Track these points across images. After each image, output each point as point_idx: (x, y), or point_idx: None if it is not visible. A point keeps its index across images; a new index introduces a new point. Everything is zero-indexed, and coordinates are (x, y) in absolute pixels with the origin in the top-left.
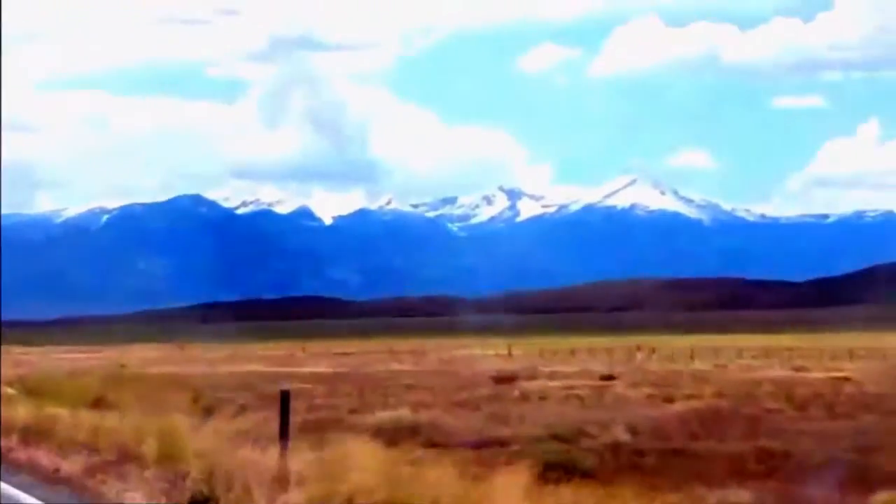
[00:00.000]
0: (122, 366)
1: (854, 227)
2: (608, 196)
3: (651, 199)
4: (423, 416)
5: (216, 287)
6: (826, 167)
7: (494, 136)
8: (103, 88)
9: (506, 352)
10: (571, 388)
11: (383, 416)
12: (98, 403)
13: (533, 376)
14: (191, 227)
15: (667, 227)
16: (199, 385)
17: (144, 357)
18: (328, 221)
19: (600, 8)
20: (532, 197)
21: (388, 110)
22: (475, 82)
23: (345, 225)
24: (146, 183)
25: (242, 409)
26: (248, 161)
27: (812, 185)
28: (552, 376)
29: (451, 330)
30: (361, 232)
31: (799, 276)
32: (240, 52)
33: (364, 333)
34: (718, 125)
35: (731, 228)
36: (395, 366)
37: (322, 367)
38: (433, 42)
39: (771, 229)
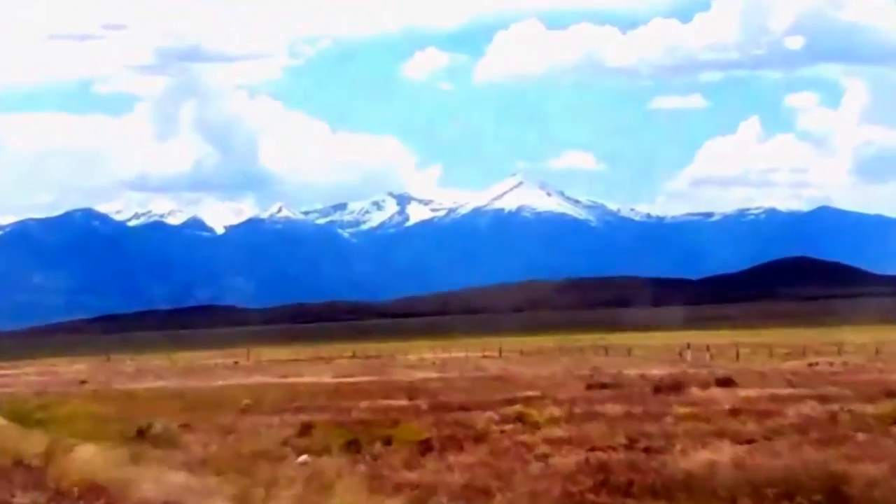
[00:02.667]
0: (83, 382)
1: (738, 225)
2: (496, 199)
3: (538, 200)
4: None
5: (113, 299)
6: (709, 166)
7: (382, 143)
8: None
9: (486, 353)
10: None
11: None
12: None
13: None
14: (84, 240)
15: (555, 227)
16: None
17: (86, 371)
18: (220, 231)
19: (482, 13)
20: (421, 201)
21: (276, 119)
22: (362, 90)
23: (237, 234)
24: (39, 198)
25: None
26: (139, 174)
27: (695, 184)
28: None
29: (358, 335)
30: (254, 240)
31: (689, 274)
32: (128, 65)
33: (266, 340)
34: (601, 127)
35: (619, 228)
36: (420, 374)
37: (325, 377)
38: (319, 51)
39: (657, 228)
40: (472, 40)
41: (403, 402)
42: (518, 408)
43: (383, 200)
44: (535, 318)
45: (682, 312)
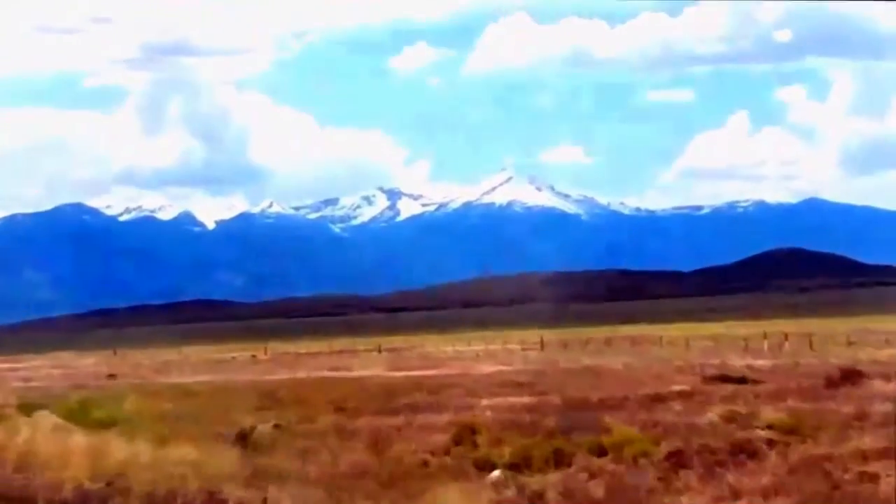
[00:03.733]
0: (111, 376)
1: (728, 218)
2: (486, 193)
3: (528, 195)
4: None
5: (103, 294)
6: (698, 159)
7: (371, 137)
8: None
9: (525, 345)
10: None
11: None
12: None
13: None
14: (75, 235)
15: (545, 222)
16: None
17: (101, 365)
18: (211, 226)
19: (471, 7)
20: (411, 196)
21: (265, 114)
22: (350, 84)
23: (228, 229)
24: (28, 193)
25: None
26: (129, 168)
27: (685, 178)
28: None
29: (357, 329)
30: (244, 235)
31: (679, 267)
32: (115, 59)
33: (265, 335)
34: (591, 121)
35: (609, 222)
36: (486, 368)
37: (379, 370)
38: (307, 45)
39: (647, 222)
40: (460, 35)
41: (526, 399)
42: (728, 407)
43: (374, 195)
44: (538, 310)
45: (684, 304)
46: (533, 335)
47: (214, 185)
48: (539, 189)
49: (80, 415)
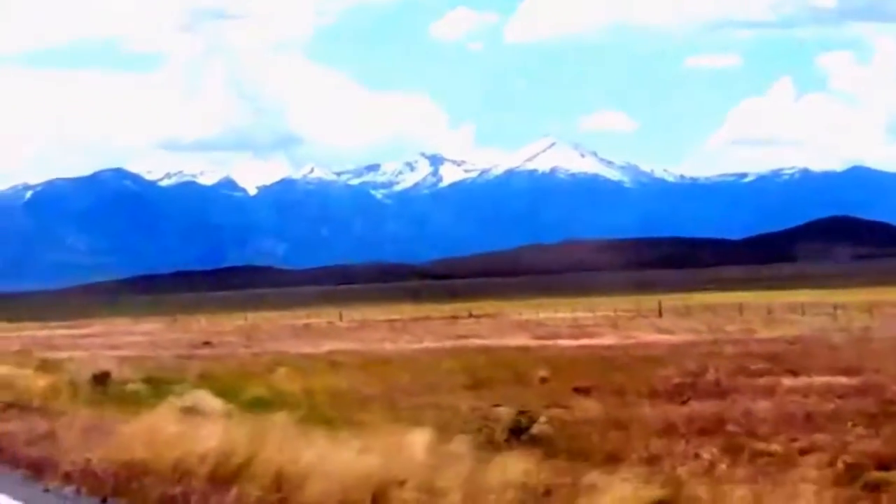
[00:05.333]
0: (207, 343)
1: (772, 185)
2: (529, 160)
3: (571, 161)
4: None
5: (144, 260)
6: (742, 127)
7: (414, 102)
8: (23, 64)
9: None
10: None
11: None
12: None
13: None
14: (115, 200)
15: (589, 189)
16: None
17: (166, 331)
18: (252, 191)
19: None
20: (454, 162)
21: (308, 78)
22: (392, 48)
23: (269, 194)
24: (69, 158)
25: None
26: (170, 133)
27: (728, 145)
28: None
29: (409, 295)
30: (286, 201)
31: (726, 235)
32: (158, 24)
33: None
34: (634, 87)
35: (652, 189)
36: (649, 336)
37: (522, 340)
38: (349, 10)
39: (691, 189)
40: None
41: (845, 380)
42: None
43: (416, 161)
44: (591, 279)
45: (738, 272)
46: (614, 304)
47: (256, 151)
48: (582, 155)
49: (233, 394)
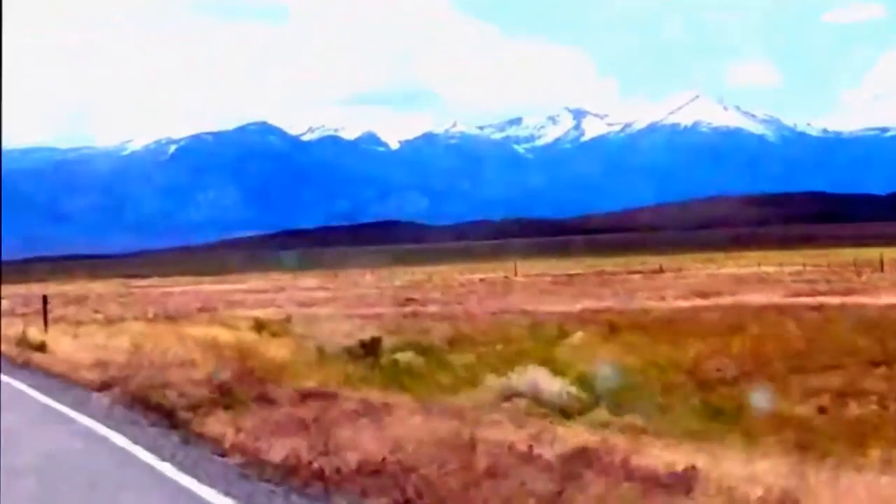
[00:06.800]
0: (409, 300)
1: None
2: (672, 113)
3: (714, 114)
4: None
5: (286, 214)
6: (886, 79)
7: (559, 55)
8: (167, 19)
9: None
10: None
11: None
12: None
13: None
14: (259, 155)
15: (731, 142)
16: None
17: (342, 288)
18: (394, 146)
19: None
20: (597, 116)
21: (451, 30)
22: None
23: (411, 149)
24: (213, 112)
25: None
26: (313, 87)
27: (872, 98)
28: None
29: (559, 250)
30: (428, 155)
31: (871, 190)
32: None
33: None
34: (777, 40)
35: (795, 143)
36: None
37: (775, 297)
38: None
39: (834, 143)
40: None
41: None
42: None
43: (559, 115)
44: (745, 234)
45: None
46: (781, 258)
47: (398, 105)
48: (725, 108)
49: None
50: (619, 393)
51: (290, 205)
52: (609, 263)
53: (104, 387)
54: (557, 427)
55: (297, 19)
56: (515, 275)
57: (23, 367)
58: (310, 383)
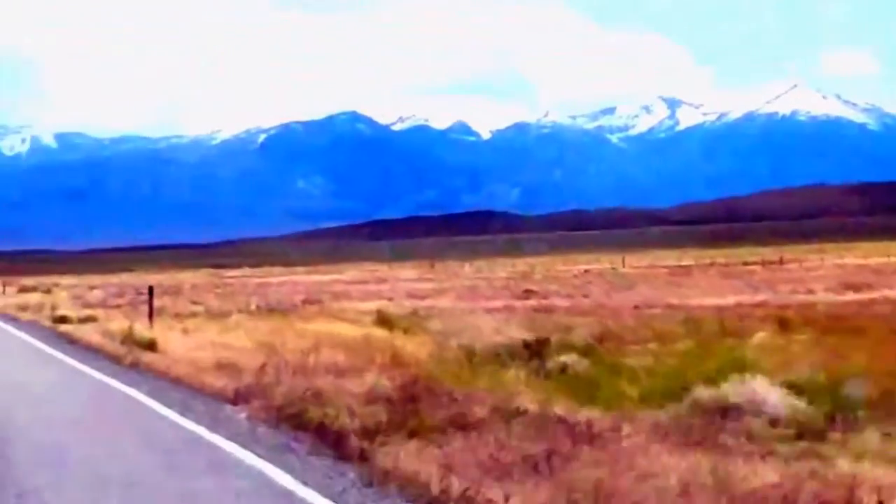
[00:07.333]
0: (529, 292)
1: None
2: (769, 102)
3: (812, 103)
4: None
5: (375, 204)
6: None
7: (652, 43)
8: (260, 9)
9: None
10: None
11: None
12: None
13: None
14: (348, 144)
15: (831, 131)
16: None
17: (453, 279)
18: (486, 135)
19: None
20: (691, 105)
21: (542, 19)
22: None
23: (503, 138)
24: (302, 101)
25: None
26: (403, 76)
27: None
28: None
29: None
30: (519, 145)
31: None
32: None
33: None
34: (876, 26)
35: None
36: None
37: None
38: None
39: None
40: None
41: None
42: None
43: (652, 104)
44: (851, 224)
45: None
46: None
47: (490, 94)
48: (824, 97)
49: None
50: (856, 408)
51: (379, 194)
52: (717, 254)
53: (239, 398)
54: (838, 461)
55: (386, 8)
56: (623, 266)
57: (131, 370)
58: (484, 394)
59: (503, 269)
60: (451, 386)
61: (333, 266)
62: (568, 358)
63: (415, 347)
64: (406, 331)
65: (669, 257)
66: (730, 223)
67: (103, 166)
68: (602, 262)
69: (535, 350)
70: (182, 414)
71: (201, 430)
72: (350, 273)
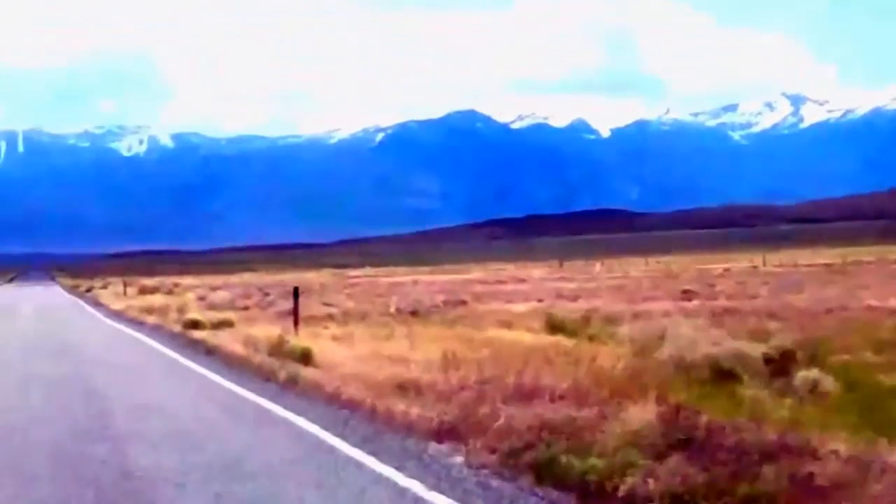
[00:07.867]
0: (688, 292)
1: None
2: (895, 99)
3: None
4: None
5: (494, 203)
6: None
7: (774, 40)
8: (377, 6)
9: None
10: None
11: None
12: None
13: None
14: (466, 142)
15: None
16: None
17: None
18: (605, 133)
19: None
20: (816, 102)
21: (663, 16)
22: None
23: (623, 136)
24: (421, 99)
25: None
26: (522, 74)
27: None
28: None
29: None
30: (640, 143)
31: None
32: None
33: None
34: None
35: None
36: None
37: None
38: None
39: None
40: None
41: None
42: None
43: (776, 101)
44: None
45: None
46: None
47: (609, 92)
48: None
49: None
50: None
51: (498, 193)
52: (861, 252)
53: (444, 433)
54: None
55: (504, 6)
56: (764, 264)
57: (289, 390)
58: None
59: (635, 268)
60: (720, 418)
61: (458, 266)
62: (811, 373)
63: (611, 360)
64: (591, 338)
65: (801, 256)
66: (855, 221)
67: (220, 166)
68: (739, 261)
69: (779, 365)
70: (374, 455)
71: (411, 484)
72: (477, 273)
